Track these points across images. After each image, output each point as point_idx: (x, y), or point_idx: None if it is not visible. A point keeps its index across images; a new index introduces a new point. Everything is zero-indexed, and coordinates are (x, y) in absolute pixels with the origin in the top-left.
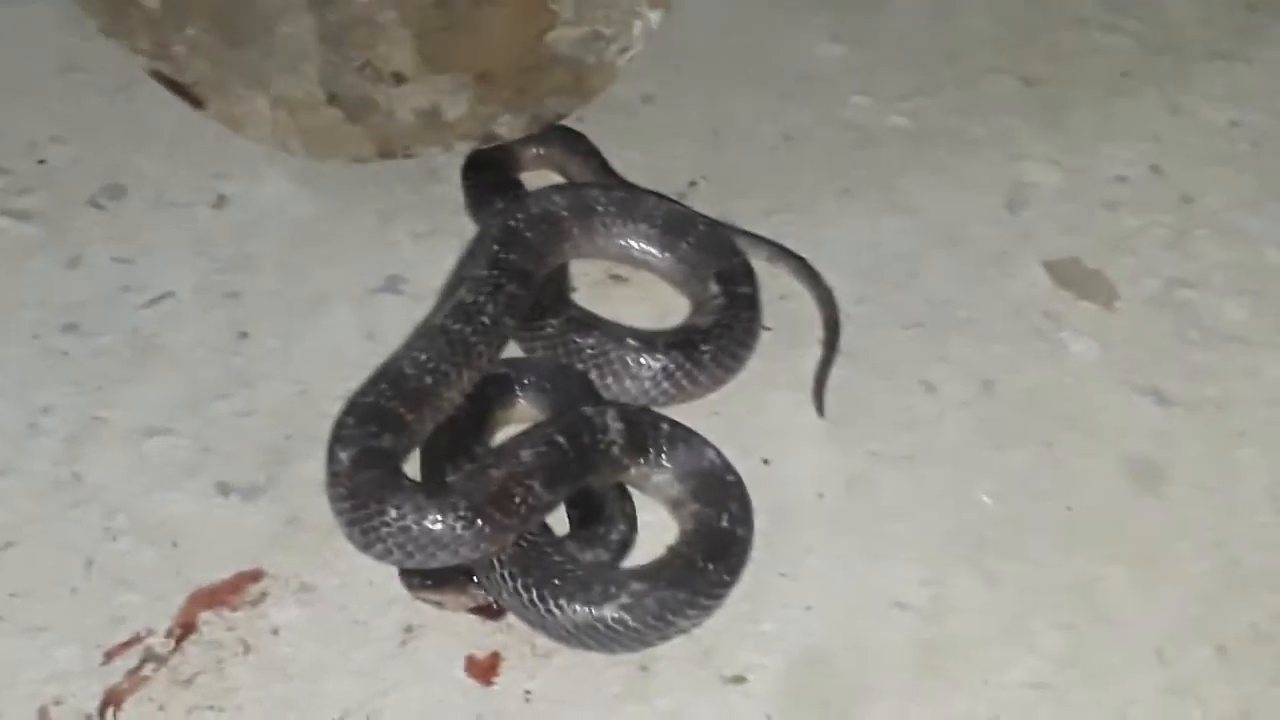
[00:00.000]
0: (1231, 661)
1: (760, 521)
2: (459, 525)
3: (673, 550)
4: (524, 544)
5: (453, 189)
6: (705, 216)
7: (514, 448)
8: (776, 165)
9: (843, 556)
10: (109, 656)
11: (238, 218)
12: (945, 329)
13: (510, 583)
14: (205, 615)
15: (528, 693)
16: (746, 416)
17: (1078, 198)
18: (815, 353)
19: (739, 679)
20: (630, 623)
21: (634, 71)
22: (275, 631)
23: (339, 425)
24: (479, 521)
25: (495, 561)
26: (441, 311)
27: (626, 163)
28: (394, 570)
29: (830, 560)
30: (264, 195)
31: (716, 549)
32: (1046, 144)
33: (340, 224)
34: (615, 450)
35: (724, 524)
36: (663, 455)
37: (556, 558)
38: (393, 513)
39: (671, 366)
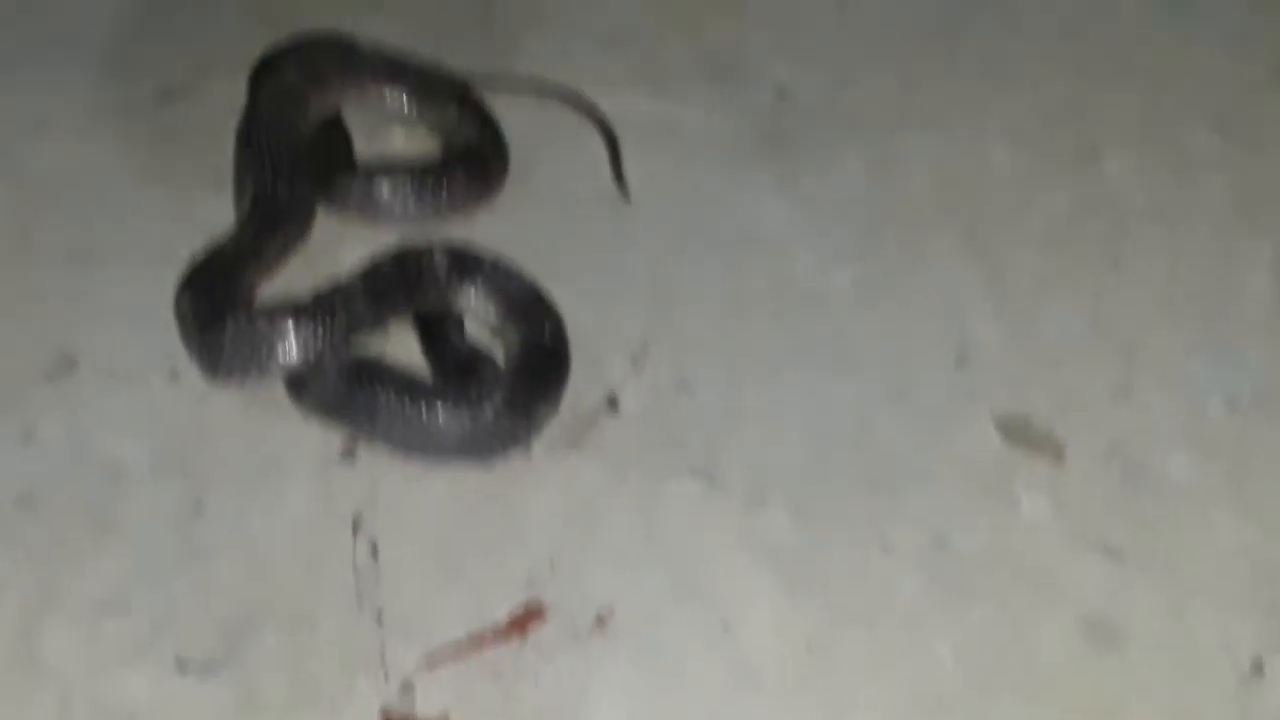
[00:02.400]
0: None
1: (719, 682)
2: (279, 328)
3: (512, 364)
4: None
5: (407, 354)
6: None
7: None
8: (726, 326)
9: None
10: None
11: (192, 388)
12: (899, 486)
13: (388, 399)
14: None
15: None
16: (698, 568)
17: (1023, 353)
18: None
19: None
20: (505, 421)
21: (579, 231)
22: None
23: (178, 294)
24: (292, 323)
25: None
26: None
27: (577, 324)
28: None
29: None
30: None
31: (549, 358)
32: (990, 300)
33: None
34: (441, 278)
35: (546, 338)
36: (485, 283)
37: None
38: (230, 325)
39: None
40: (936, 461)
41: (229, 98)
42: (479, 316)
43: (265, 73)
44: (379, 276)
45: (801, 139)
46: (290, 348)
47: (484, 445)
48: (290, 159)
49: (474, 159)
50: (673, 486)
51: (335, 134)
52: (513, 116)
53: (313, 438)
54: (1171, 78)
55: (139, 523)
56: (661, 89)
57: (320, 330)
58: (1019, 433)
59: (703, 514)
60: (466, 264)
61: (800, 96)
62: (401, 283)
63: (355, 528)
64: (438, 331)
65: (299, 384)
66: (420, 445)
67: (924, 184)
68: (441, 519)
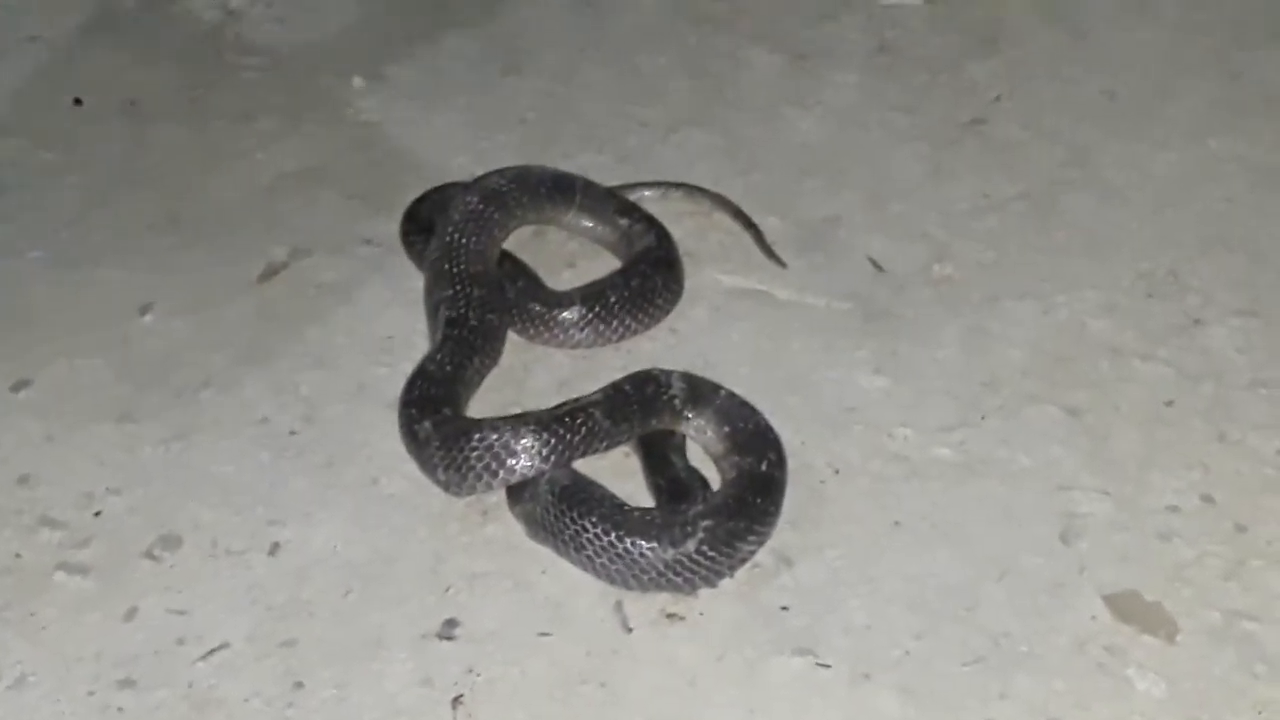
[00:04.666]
0: None
1: None
2: (529, 438)
3: (724, 492)
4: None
5: (505, 529)
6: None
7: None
8: (826, 497)
9: None
10: None
11: (292, 563)
12: (1006, 664)
13: (599, 537)
14: None
15: None
16: None
17: (1130, 528)
18: None
19: None
20: (709, 553)
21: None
22: None
23: (407, 417)
24: (545, 434)
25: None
26: (438, 328)
27: None
28: None
29: None
30: (318, 539)
31: (761, 488)
32: (1094, 474)
33: (394, 566)
34: (676, 402)
35: (764, 469)
36: (716, 411)
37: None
38: (476, 437)
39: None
40: (1045, 639)
41: (329, 276)
42: (705, 443)
43: (440, 205)
44: (618, 396)
45: (898, 311)
46: (534, 457)
47: (685, 578)
48: (481, 284)
49: (658, 263)
50: (775, 664)
51: (516, 261)
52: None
53: (412, 614)
54: (1273, 247)
55: (239, 702)
56: (755, 262)
57: (562, 442)
58: (1129, 610)
59: (806, 693)
60: (701, 391)
61: (895, 268)
62: (639, 404)
63: (455, 706)
64: (660, 451)
65: (517, 495)
66: (621, 576)
67: (1023, 356)
68: (541, 698)
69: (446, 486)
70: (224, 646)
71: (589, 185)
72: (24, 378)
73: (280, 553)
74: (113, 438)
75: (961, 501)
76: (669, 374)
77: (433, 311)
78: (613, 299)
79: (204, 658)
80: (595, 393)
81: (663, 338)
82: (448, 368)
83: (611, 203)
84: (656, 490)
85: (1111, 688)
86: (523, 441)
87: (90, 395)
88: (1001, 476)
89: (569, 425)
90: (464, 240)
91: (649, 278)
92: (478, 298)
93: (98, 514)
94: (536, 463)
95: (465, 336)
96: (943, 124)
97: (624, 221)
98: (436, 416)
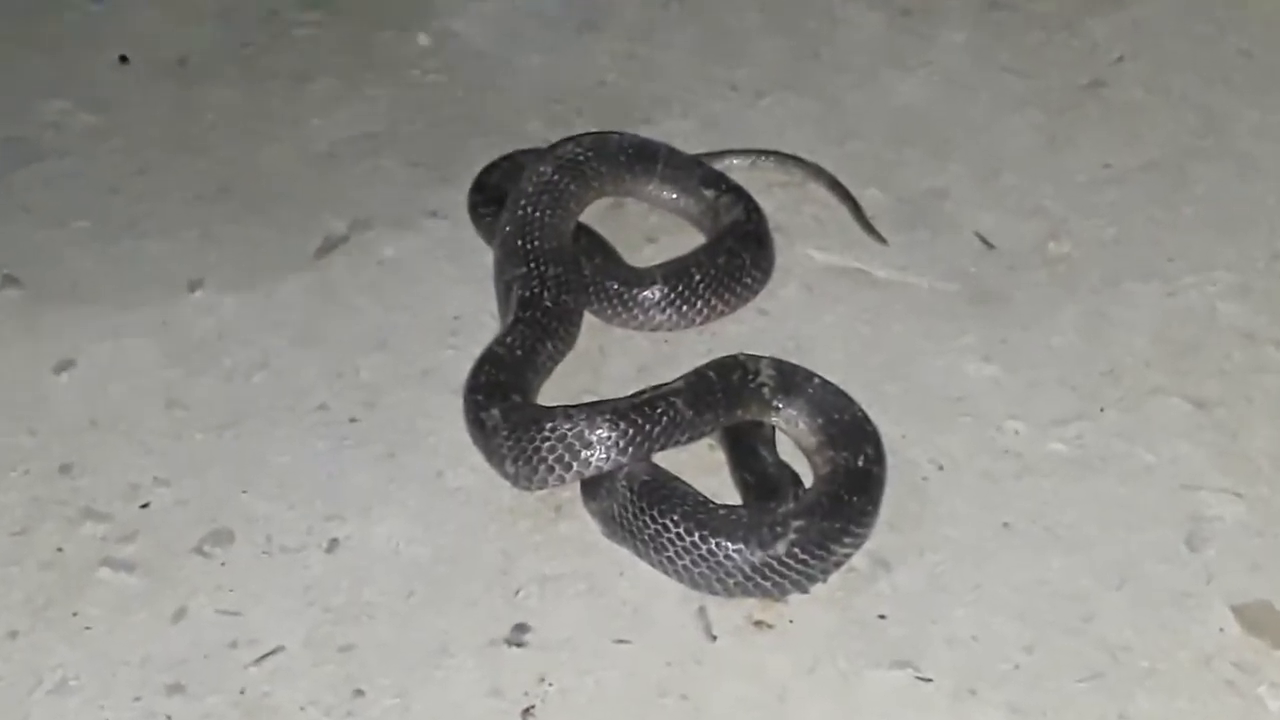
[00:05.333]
0: None
1: None
2: (605, 428)
3: (817, 490)
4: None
5: (580, 527)
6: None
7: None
8: (929, 496)
9: None
10: None
11: (351, 562)
12: (1125, 681)
13: (681, 538)
14: None
15: None
16: None
17: (1263, 533)
18: None
19: None
20: (800, 556)
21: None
22: None
23: (473, 404)
24: (622, 424)
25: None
26: (509, 309)
27: None
28: None
29: None
30: (379, 536)
31: (857, 485)
32: (1224, 473)
33: (460, 567)
34: (765, 391)
35: (860, 464)
36: (809, 401)
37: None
38: (548, 427)
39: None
40: (1168, 654)
41: (391, 251)
42: (796, 435)
43: (512, 174)
44: (702, 384)
45: (1009, 293)
46: (610, 450)
47: (774, 582)
48: (555, 261)
49: (747, 238)
50: (871, 677)
51: (594, 236)
52: None
53: (479, 619)
54: None
55: (294, 711)
56: (852, 238)
57: (641, 434)
58: (1261, 622)
59: (906, 709)
60: (793, 379)
61: (1006, 246)
62: (724, 392)
63: (525, 718)
64: (747, 444)
65: (592, 491)
66: (705, 580)
67: (1146, 343)
68: (617, 711)
69: (515, 480)
70: (279, 650)
71: (672, 154)
72: (67, 358)
73: (339, 550)
74: (161, 424)
75: (1077, 502)
76: (757, 360)
77: (504, 291)
78: (697, 277)
79: (257, 662)
80: (677, 380)
81: (751, 320)
82: (518, 351)
83: (697, 173)
84: (744, 487)
85: (1241, 708)
86: (598, 432)
87: (137, 378)
88: (1122, 475)
89: (648, 415)
90: (537, 214)
91: (736, 254)
92: (552, 276)
93: (145, 506)
94: (613, 455)
95: (538, 318)
96: (1060, 87)
97: (710, 193)
98: (505, 404)
